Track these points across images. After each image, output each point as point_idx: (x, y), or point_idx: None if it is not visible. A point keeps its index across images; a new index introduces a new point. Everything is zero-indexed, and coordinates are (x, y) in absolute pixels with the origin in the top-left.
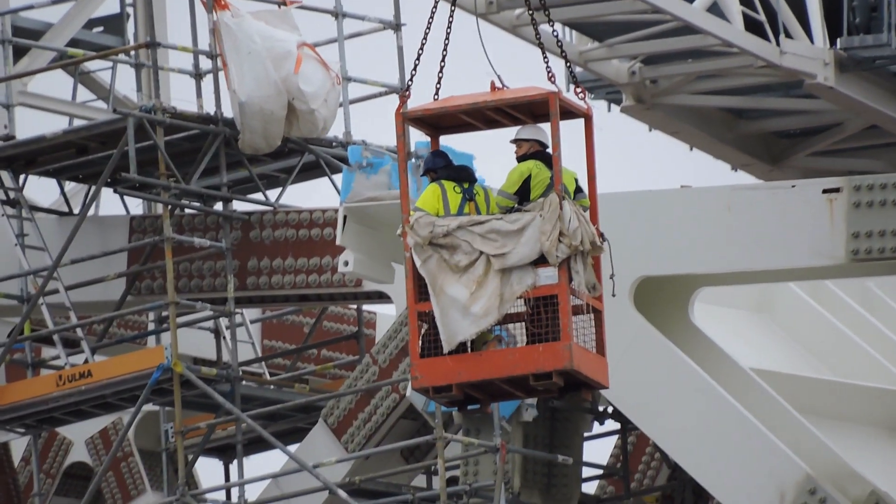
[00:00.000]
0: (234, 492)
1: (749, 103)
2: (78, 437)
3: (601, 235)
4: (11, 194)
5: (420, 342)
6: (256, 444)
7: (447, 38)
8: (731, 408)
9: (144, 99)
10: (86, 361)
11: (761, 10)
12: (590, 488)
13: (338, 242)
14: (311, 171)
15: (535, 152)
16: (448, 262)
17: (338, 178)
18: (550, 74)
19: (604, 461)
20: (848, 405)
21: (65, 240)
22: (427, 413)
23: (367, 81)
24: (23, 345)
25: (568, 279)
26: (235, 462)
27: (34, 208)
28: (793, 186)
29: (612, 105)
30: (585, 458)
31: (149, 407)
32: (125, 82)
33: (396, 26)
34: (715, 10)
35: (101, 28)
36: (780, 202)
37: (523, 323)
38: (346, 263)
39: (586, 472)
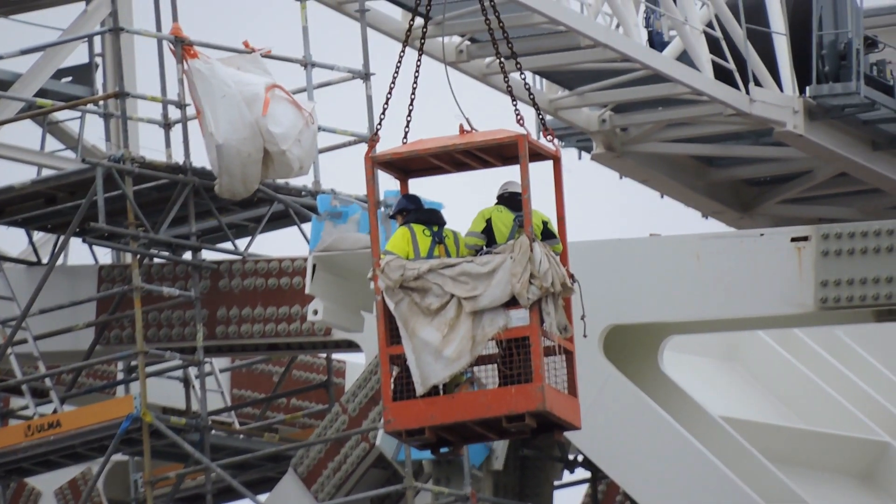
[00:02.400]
0: None
1: (719, 151)
2: (47, 487)
3: (571, 277)
4: None
5: (392, 385)
6: (226, 494)
7: (415, 83)
8: (701, 456)
9: (113, 148)
10: (55, 411)
11: (731, 59)
12: None
13: (307, 291)
14: (280, 220)
15: (500, 197)
16: (419, 305)
17: (307, 226)
18: (519, 117)
19: None
20: (817, 453)
21: (33, 289)
22: (397, 462)
23: (337, 130)
24: None
25: (539, 321)
26: None
27: (2, 258)
28: (761, 235)
29: (583, 153)
30: None
31: (118, 457)
32: (94, 132)
33: (365, 76)
34: (684, 58)
35: (69, 78)
36: (748, 250)
37: (495, 365)
38: (316, 312)
39: None
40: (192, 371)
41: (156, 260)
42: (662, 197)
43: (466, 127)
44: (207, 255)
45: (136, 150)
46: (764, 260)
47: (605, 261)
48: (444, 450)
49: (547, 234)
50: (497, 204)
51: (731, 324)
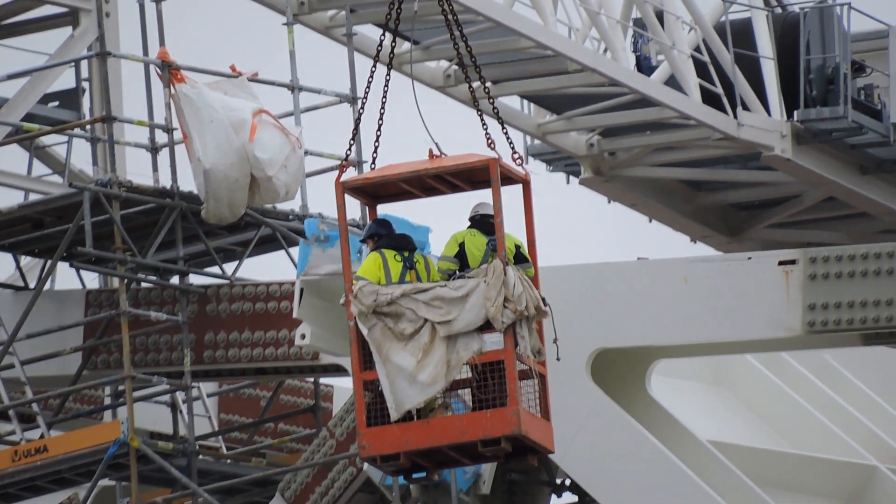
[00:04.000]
0: None
1: (707, 175)
2: None
3: (543, 300)
4: None
5: (366, 411)
6: None
7: (382, 108)
8: (689, 480)
9: (100, 173)
10: (42, 436)
11: (718, 83)
12: None
13: (294, 316)
14: (268, 244)
15: (472, 219)
16: (393, 331)
17: (294, 251)
18: (490, 141)
19: None
20: (805, 477)
21: (20, 314)
22: (384, 487)
23: (324, 154)
24: None
25: (514, 344)
26: None
27: None
28: (749, 258)
29: (571, 177)
30: None
31: (105, 482)
32: (81, 156)
33: (353, 99)
34: (672, 82)
35: (56, 102)
36: (736, 274)
37: (468, 389)
38: (303, 336)
39: None
40: (180, 396)
41: (143, 284)
42: (651, 221)
43: (436, 152)
44: (195, 279)
45: (124, 175)
46: (752, 283)
47: (592, 284)
48: (417, 475)
49: (519, 258)
50: (469, 227)
51: (719, 347)
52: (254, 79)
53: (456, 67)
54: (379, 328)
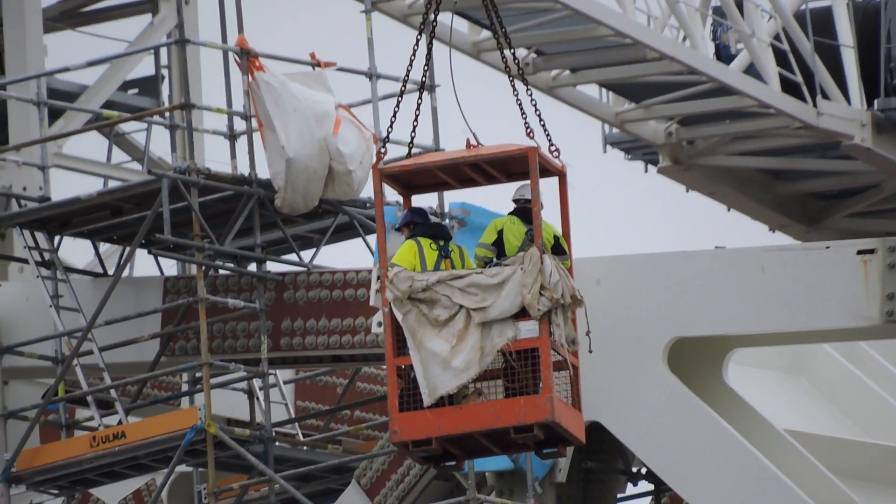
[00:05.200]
0: None
1: (786, 164)
2: (111, 498)
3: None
4: (46, 256)
5: (399, 396)
6: None
7: (420, 98)
8: (766, 469)
9: (179, 160)
10: (119, 422)
11: (798, 71)
12: None
13: (371, 303)
14: (345, 231)
15: (516, 204)
16: (427, 317)
17: (371, 238)
18: (529, 130)
19: None
20: (883, 467)
21: (99, 301)
22: (460, 474)
23: (401, 142)
24: (57, 406)
25: (549, 332)
26: None
27: (69, 269)
28: (827, 248)
29: (649, 166)
30: None
31: (182, 468)
32: (159, 143)
33: (431, 87)
34: (751, 71)
35: (135, 90)
36: (814, 263)
37: (499, 379)
38: (380, 324)
39: None
40: (257, 383)
41: (221, 271)
42: (729, 210)
43: (473, 142)
44: (272, 266)
45: (202, 162)
46: (829, 273)
47: (670, 273)
48: (446, 464)
49: (557, 249)
50: (511, 214)
51: (796, 337)
52: (329, 65)
53: (535, 56)
54: (414, 314)
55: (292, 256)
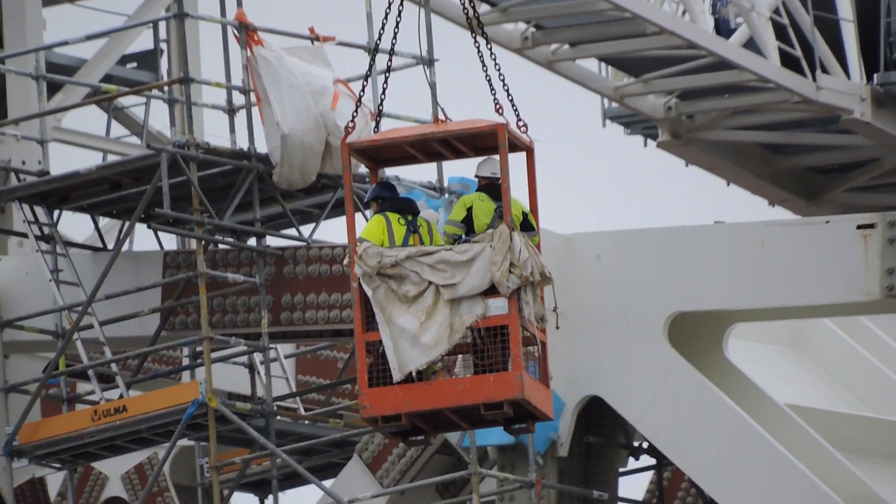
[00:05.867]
0: None
1: (785, 139)
2: (113, 472)
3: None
4: (46, 230)
5: (368, 371)
6: (291, 480)
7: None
8: (767, 443)
9: (178, 134)
10: (121, 396)
11: (797, 46)
12: None
13: None
14: (344, 206)
15: (480, 181)
16: (396, 293)
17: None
18: (498, 106)
19: (640, 497)
20: (883, 441)
21: (99, 275)
22: (462, 448)
23: (400, 117)
24: (58, 380)
25: (518, 309)
26: (271, 497)
27: (68, 244)
28: (827, 222)
29: (649, 140)
30: (621, 493)
31: (184, 442)
32: (158, 118)
33: (429, 62)
34: (751, 45)
35: (134, 64)
36: (814, 238)
37: (468, 354)
38: None
39: None
40: (257, 357)
41: (220, 246)
42: (728, 185)
43: (441, 117)
44: (272, 241)
45: (201, 136)
46: (829, 247)
47: (670, 248)
48: (414, 438)
49: (526, 226)
50: (479, 191)
51: (797, 311)
52: (328, 39)
53: (533, 30)
54: (382, 290)
55: (292, 231)
